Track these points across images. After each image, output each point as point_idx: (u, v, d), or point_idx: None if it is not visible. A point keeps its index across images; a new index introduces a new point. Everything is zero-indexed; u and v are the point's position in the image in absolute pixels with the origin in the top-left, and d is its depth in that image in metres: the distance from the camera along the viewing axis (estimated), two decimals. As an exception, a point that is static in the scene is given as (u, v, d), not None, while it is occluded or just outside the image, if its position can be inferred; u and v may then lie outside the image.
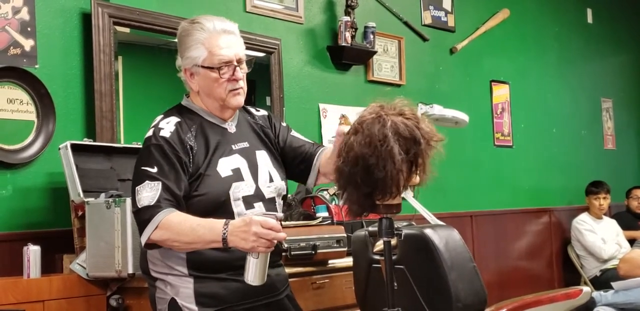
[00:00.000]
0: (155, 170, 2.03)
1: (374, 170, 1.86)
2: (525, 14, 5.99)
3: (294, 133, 2.37)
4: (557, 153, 6.24)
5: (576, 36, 6.63)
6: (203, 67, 2.13)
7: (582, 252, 5.85)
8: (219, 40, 2.13)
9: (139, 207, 2.01)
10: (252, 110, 2.35)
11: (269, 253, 1.97)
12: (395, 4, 4.78)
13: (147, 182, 2.02)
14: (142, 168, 2.05)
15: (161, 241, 2.01)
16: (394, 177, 1.86)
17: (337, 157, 1.97)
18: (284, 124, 2.38)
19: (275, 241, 1.94)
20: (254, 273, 1.96)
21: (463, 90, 5.28)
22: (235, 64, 2.15)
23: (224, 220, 1.97)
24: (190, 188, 2.08)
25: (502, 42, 5.71)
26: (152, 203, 1.99)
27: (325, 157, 2.27)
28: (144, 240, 2.02)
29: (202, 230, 1.97)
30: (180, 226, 1.98)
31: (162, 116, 2.16)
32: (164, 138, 2.07)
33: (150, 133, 2.10)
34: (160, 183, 2.01)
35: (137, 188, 2.03)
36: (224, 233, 1.94)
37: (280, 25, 4.07)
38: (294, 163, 2.32)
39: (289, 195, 2.30)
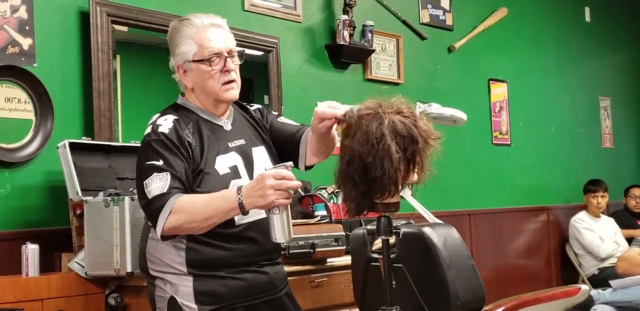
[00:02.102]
0: (161, 162, 2.02)
1: (371, 168, 1.86)
2: (524, 13, 5.99)
3: (282, 118, 2.35)
4: (555, 152, 6.25)
5: (574, 34, 6.63)
6: (194, 61, 2.13)
7: (580, 251, 5.86)
8: (207, 34, 2.14)
9: (150, 198, 1.99)
10: (247, 106, 2.35)
11: (289, 207, 1.96)
12: (394, 3, 4.78)
13: (155, 174, 2.01)
14: (147, 163, 2.03)
15: (178, 227, 1.98)
16: (392, 175, 1.86)
17: (339, 153, 1.97)
18: (274, 113, 2.39)
19: (293, 192, 1.92)
20: (279, 229, 1.95)
21: (461, 89, 5.29)
22: (226, 55, 2.15)
23: (237, 188, 1.97)
24: (192, 185, 2.08)
25: (500, 41, 5.71)
26: (163, 192, 1.98)
27: (309, 135, 2.23)
28: (159, 229, 1.98)
29: (217, 202, 1.96)
30: (193, 205, 1.96)
31: (159, 114, 2.16)
32: (163, 133, 2.07)
33: (149, 130, 2.10)
34: (168, 174, 2.00)
35: (146, 182, 2.01)
36: (239, 198, 1.93)
37: (279, 23, 4.07)
38: (285, 148, 2.29)
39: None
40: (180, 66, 2.17)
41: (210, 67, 2.13)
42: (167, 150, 2.05)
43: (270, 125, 2.32)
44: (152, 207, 1.99)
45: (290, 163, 1.99)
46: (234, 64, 2.17)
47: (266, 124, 2.32)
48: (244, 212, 1.95)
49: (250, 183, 1.96)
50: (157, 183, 1.99)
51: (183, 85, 2.21)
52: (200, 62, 2.13)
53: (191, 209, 1.96)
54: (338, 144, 2.10)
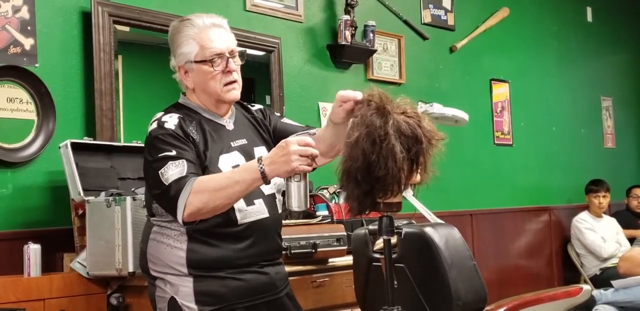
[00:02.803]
0: (174, 152, 2.01)
1: (375, 167, 1.86)
2: (525, 13, 5.99)
3: (285, 120, 2.35)
4: (557, 152, 6.25)
5: (576, 35, 6.63)
6: (196, 62, 2.13)
7: (582, 251, 5.85)
8: (209, 34, 2.14)
9: (167, 184, 1.96)
10: (248, 105, 2.36)
11: (308, 176, 1.96)
12: (395, 3, 4.78)
13: (170, 162, 1.99)
14: (160, 155, 2.01)
15: (201, 208, 1.94)
16: (395, 175, 1.86)
17: (343, 151, 1.97)
18: (277, 114, 2.39)
19: (314, 158, 1.93)
20: (297, 197, 1.95)
21: (463, 89, 5.29)
22: (228, 55, 2.15)
23: (257, 158, 1.96)
24: None
25: (502, 41, 5.71)
26: (182, 175, 1.96)
27: (319, 134, 2.22)
28: (180, 213, 1.94)
29: (238, 174, 1.95)
30: (214, 182, 1.95)
31: (162, 112, 2.16)
32: (170, 129, 2.07)
33: (154, 125, 2.09)
34: (184, 161, 2.00)
35: (161, 170, 1.98)
36: (261, 167, 1.92)
37: (280, 24, 4.07)
38: None
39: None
40: (181, 66, 2.17)
41: (212, 67, 2.13)
42: (179, 141, 2.05)
43: (275, 127, 2.31)
44: (170, 192, 1.95)
45: (314, 130, 2.00)
46: (235, 64, 2.17)
47: (268, 125, 2.32)
48: (267, 181, 1.94)
49: (272, 152, 1.94)
50: (174, 170, 1.98)
51: (184, 86, 2.21)
52: (202, 63, 2.13)
53: (212, 186, 1.94)
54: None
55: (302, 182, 1.94)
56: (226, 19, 2.22)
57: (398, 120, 1.89)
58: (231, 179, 1.94)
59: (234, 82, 2.17)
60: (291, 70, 4.09)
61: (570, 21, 6.59)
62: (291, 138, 1.92)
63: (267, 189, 2.18)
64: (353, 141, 1.90)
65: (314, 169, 2.02)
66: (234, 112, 2.26)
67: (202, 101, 2.20)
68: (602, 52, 6.98)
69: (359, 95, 2.01)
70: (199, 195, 1.93)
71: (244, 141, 2.21)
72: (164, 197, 2.00)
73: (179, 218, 1.96)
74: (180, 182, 1.95)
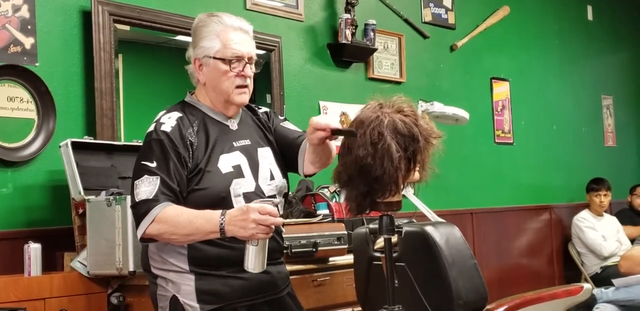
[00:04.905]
0: (154, 164, 2.04)
1: (371, 169, 1.86)
2: (526, 11, 5.99)
3: (285, 123, 2.36)
4: (558, 151, 6.25)
5: (577, 33, 6.63)
6: (215, 58, 2.14)
7: (583, 249, 5.85)
8: (234, 35, 2.16)
9: (137, 200, 2.02)
10: (255, 108, 2.36)
11: (267, 240, 1.98)
12: (396, 2, 4.78)
13: (145, 176, 2.03)
14: (142, 162, 2.06)
15: (157, 235, 2.01)
16: (392, 174, 1.86)
17: (339, 155, 1.97)
18: (281, 117, 2.39)
19: (274, 227, 1.94)
20: (254, 260, 1.97)
21: (463, 88, 5.28)
22: (246, 60, 2.16)
23: (221, 211, 1.98)
24: (191, 183, 2.08)
25: (503, 40, 5.71)
26: (149, 197, 2.00)
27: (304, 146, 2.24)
28: (139, 233, 2.02)
29: (200, 221, 1.98)
30: (177, 218, 1.98)
31: (164, 111, 2.17)
32: (164, 132, 2.07)
33: (151, 127, 2.11)
34: (158, 178, 2.02)
35: (136, 182, 2.04)
36: (222, 224, 1.95)
37: (281, 22, 4.06)
38: (286, 153, 2.30)
39: (289, 193, 2.28)
40: (198, 59, 2.18)
41: (229, 68, 2.13)
42: (163, 152, 2.05)
43: (275, 129, 2.32)
44: (138, 211, 2.02)
45: (278, 199, 2.02)
46: (251, 70, 2.18)
47: (271, 126, 2.32)
48: (224, 237, 1.97)
49: (234, 211, 1.96)
50: (146, 187, 2.01)
51: (195, 79, 2.22)
52: (220, 60, 2.14)
53: (174, 222, 1.98)
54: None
55: (258, 246, 1.96)
56: (252, 25, 2.23)
57: (394, 119, 1.88)
58: (192, 224, 1.98)
59: (246, 86, 2.18)
60: (291, 69, 4.09)
61: (571, 20, 6.59)
62: (253, 205, 1.93)
63: (267, 190, 2.19)
64: (349, 147, 1.90)
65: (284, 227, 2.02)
66: (240, 114, 2.27)
67: (211, 99, 2.20)
68: (602, 51, 6.98)
69: (333, 124, 1.98)
70: (159, 225, 1.99)
71: (247, 142, 2.21)
72: (132, 211, 2.07)
73: (138, 235, 2.04)
74: (148, 204, 2.00)
